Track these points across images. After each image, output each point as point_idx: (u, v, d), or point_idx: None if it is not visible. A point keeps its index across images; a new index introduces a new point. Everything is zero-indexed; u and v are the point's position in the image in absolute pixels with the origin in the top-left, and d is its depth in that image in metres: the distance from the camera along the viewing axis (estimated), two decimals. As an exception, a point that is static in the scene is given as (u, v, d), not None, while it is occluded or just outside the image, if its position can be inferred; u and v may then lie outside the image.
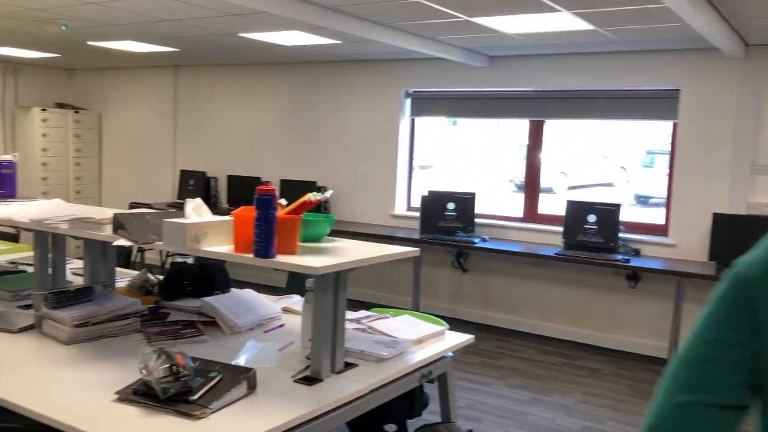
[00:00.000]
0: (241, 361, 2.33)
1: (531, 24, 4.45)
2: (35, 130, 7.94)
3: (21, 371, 2.18)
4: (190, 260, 3.29)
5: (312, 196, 2.19)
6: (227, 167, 7.57)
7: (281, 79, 7.20)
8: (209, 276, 3.07)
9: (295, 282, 3.54)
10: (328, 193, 2.45)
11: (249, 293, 3.05)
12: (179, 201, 7.29)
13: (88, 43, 6.15)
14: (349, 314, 2.78)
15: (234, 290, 3.07)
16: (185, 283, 3.02)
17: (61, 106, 8.34)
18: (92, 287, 2.74)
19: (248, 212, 2.13)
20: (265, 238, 2.06)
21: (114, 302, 2.70)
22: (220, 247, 2.22)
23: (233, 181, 7.27)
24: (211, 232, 2.21)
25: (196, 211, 2.25)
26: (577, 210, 5.58)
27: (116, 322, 2.62)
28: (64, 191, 8.08)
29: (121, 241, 2.31)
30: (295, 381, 2.17)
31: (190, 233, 2.16)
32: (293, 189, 6.83)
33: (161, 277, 3.20)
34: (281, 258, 2.10)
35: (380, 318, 2.92)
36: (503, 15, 4.22)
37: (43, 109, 8.02)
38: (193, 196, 2.43)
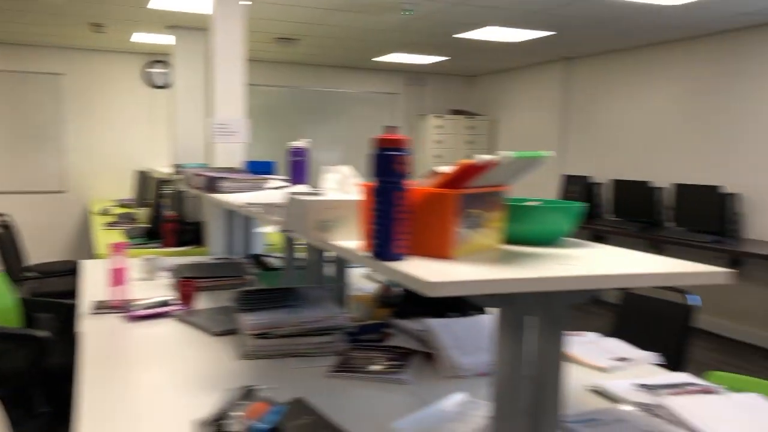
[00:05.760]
0: (405, 425, 1.46)
1: None
2: (429, 137, 8.06)
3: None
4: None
5: (482, 159, 1.20)
6: (614, 171, 6.44)
7: (681, 61, 5.76)
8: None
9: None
10: (546, 154, 1.34)
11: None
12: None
13: (454, 36, 5.82)
14: (640, 377, 1.64)
15: (483, 316, 2.17)
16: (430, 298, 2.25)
17: (457, 113, 8.31)
18: (295, 290, 2.18)
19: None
20: (383, 225, 1.17)
21: (313, 312, 2.08)
22: (349, 241, 1.40)
23: (620, 186, 6.10)
24: (347, 215, 1.40)
25: (341, 185, 1.48)
26: None
27: (307, 338, 1.99)
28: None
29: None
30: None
31: (313, 216, 1.40)
32: (690, 195, 5.43)
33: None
34: (415, 261, 1.17)
35: (697, 392, 1.68)
36: None
37: (438, 116, 8.08)
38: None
